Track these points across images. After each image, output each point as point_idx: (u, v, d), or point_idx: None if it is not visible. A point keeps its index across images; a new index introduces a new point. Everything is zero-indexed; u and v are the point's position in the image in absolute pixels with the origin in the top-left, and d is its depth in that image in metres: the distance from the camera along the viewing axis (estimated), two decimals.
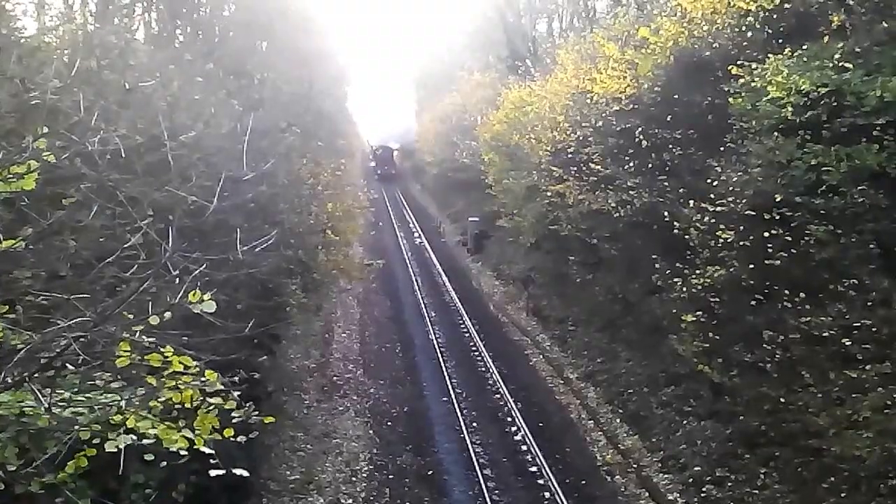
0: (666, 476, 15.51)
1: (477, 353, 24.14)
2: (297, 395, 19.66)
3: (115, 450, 4.42)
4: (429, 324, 27.59)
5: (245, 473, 4.68)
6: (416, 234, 48.00)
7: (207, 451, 4.63)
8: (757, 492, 13.57)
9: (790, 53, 14.06)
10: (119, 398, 4.60)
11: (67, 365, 4.55)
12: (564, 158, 22.82)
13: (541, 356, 23.76)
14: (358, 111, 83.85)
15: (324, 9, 54.06)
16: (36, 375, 4.29)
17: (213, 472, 4.66)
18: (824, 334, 12.31)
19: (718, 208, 14.44)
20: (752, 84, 14.30)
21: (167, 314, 4.29)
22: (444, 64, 63.72)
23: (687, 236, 15.45)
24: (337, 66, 42.77)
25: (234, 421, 4.76)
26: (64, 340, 4.18)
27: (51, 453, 4.46)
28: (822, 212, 12.84)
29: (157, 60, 15.47)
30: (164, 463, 4.96)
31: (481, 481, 15.57)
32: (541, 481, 15.77)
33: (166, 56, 16.56)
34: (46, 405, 4.21)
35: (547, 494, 15.26)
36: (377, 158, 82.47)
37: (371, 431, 18.50)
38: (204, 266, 4.52)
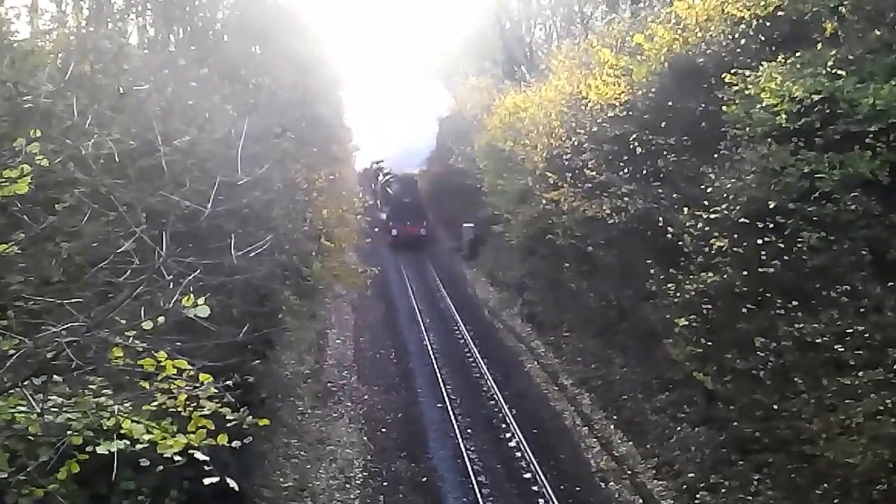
0: (660, 482, 15.49)
1: (471, 359, 24.10)
2: (290, 402, 19.56)
3: (108, 453, 4.40)
4: (423, 329, 27.54)
5: (235, 486, 4.65)
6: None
7: (201, 457, 4.61)
8: (750, 498, 13.55)
9: (783, 60, 14.12)
10: (112, 403, 4.58)
11: (59, 371, 4.52)
12: (559, 164, 22.86)
13: (535, 362, 23.73)
14: (357, 116, 52.33)
15: (319, 13, 53.86)
16: (28, 381, 4.27)
17: (206, 481, 4.63)
18: (817, 341, 12.33)
19: (712, 215, 14.46)
20: (746, 91, 14.35)
21: (160, 319, 4.29)
22: (441, 68, 63.56)
23: (681, 242, 15.47)
24: (332, 71, 42.67)
25: (227, 426, 4.75)
26: (56, 346, 4.16)
27: (42, 460, 4.43)
28: (815, 219, 12.88)
29: (152, 65, 15.45)
30: (161, 468, 4.93)
31: (475, 488, 15.52)
32: (535, 488, 15.73)
33: (160, 60, 16.53)
34: (38, 411, 4.19)
35: (541, 501, 15.22)
36: (389, 200, 43.34)
37: (365, 438, 18.43)
38: (198, 271, 4.52)
